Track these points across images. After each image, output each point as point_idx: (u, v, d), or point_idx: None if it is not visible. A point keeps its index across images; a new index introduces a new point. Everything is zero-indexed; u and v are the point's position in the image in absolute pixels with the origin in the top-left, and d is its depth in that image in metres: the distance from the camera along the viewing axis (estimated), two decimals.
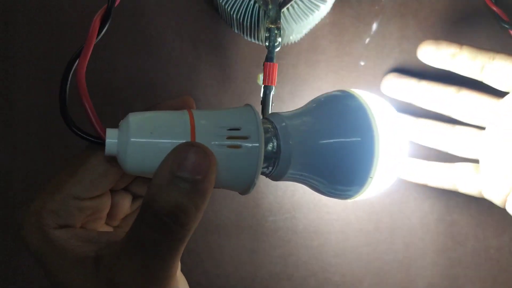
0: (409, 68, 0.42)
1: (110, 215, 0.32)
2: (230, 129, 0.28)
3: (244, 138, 0.28)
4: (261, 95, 0.38)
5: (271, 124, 0.30)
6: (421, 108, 0.40)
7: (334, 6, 0.42)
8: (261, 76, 0.38)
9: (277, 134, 0.29)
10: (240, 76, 0.42)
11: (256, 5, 0.38)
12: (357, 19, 0.42)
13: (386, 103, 0.32)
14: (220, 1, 0.39)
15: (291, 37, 0.41)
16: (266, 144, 0.29)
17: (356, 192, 0.31)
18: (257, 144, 0.28)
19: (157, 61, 0.42)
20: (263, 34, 0.39)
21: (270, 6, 0.38)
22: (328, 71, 0.42)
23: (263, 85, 0.38)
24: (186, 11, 0.42)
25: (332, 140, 0.30)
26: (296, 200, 0.42)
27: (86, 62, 0.29)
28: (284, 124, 0.30)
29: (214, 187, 0.27)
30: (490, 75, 0.37)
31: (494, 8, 0.41)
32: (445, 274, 0.41)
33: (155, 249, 0.26)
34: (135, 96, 0.42)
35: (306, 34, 0.42)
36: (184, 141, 0.27)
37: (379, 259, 0.41)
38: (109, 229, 0.33)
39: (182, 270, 0.41)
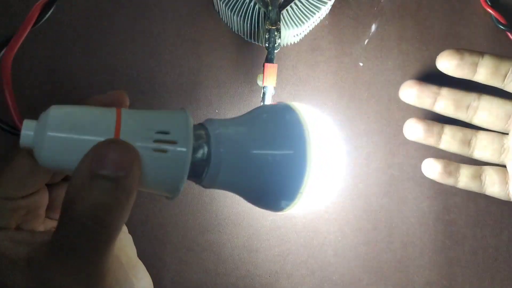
0: (409, 68, 0.42)
1: (54, 209, 0.31)
2: (159, 132, 0.27)
3: (172, 142, 0.27)
4: (261, 96, 0.38)
5: (205, 130, 0.29)
6: (440, 115, 0.40)
7: (333, 7, 0.42)
8: (261, 77, 0.38)
9: (209, 141, 0.28)
10: (240, 77, 0.42)
11: (256, 6, 0.38)
12: (356, 20, 0.42)
13: (326, 119, 0.32)
14: (221, 2, 0.39)
15: (290, 38, 0.41)
16: (196, 151, 0.28)
17: (286, 206, 0.30)
18: (184, 150, 0.27)
19: (157, 61, 0.42)
20: (263, 35, 0.39)
21: (270, 8, 0.38)
22: (327, 72, 0.42)
23: (263, 86, 0.38)
24: (186, 12, 0.43)
25: (263, 151, 0.29)
26: None
27: (17, 48, 0.28)
28: (218, 131, 0.29)
29: (139, 189, 0.27)
30: (511, 84, 0.37)
31: (491, 11, 0.41)
32: (443, 273, 0.42)
33: (78, 253, 0.25)
34: (135, 97, 0.42)
35: (305, 35, 0.42)
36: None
37: (378, 258, 0.42)
38: (53, 224, 0.32)
39: (182, 269, 0.41)
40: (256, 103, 0.42)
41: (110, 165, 0.25)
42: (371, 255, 0.42)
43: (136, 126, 0.27)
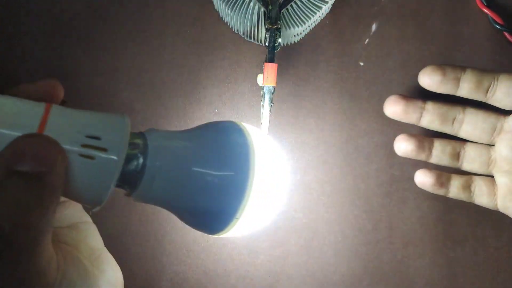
0: (410, 68, 0.42)
1: None
2: (89, 137, 0.24)
3: (102, 149, 0.24)
4: (261, 95, 0.38)
5: (143, 140, 0.26)
6: (425, 129, 0.40)
7: (334, 6, 0.42)
8: (261, 77, 0.38)
9: (146, 153, 0.26)
10: (241, 77, 0.42)
11: (256, 5, 0.38)
12: (357, 20, 0.42)
13: (276, 145, 0.30)
14: (221, 2, 0.39)
15: (291, 38, 0.41)
16: (129, 161, 0.25)
17: (219, 230, 0.28)
18: (115, 159, 0.24)
19: (157, 61, 0.42)
20: (263, 34, 0.39)
21: (270, 7, 0.38)
22: (327, 71, 0.42)
23: (263, 86, 0.38)
24: (186, 11, 0.43)
25: (203, 170, 0.27)
26: (296, 200, 0.42)
27: None
28: (157, 143, 0.26)
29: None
30: (494, 98, 0.38)
31: (486, 11, 0.41)
32: (444, 273, 0.42)
33: (2, 261, 0.22)
34: (135, 96, 0.42)
35: (306, 35, 0.42)
36: None
37: (378, 258, 0.42)
38: None
39: (181, 270, 0.41)
40: (256, 102, 0.42)
41: (30, 160, 0.22)
42: (372, 255, 0.41)
43: (64, 126, 0.24)
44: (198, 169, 0.27)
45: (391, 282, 0.41)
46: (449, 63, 0.42)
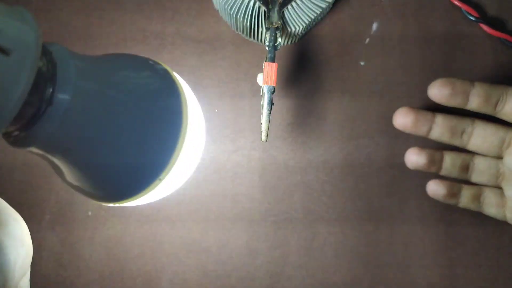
0: (411, 67, 0.42)
1: None
2: None
3: (3, 51, 0.16)
4: (261, 95, 0.38)
5: (48, 56, 0.18)
6: (433, 141, 0.40)
7: (334, 6, 0.42)
8: (261, 76, 0.38)
9: (55, 76, 0.18)
10: (241, 76, 0.42)
11: (257, 5, 0.38)
12: (357, 19, 0.42)
13: (195, 99, 0.25)
14: (221, 1, 0.39)
15: (291, 37, 0.41)
16: (33, 85, 0.17)
17: (132, 195, 0.22)
18: (28, 67, 0.16)
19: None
20: (263, 34, 0.39)
21: (270, 6, 0.38)
22: (328, 71, 0.42)
23: (263, 85, 0.38)
24: (186, 10, 0.42)
25: (132, 114, 0.20)
26: (296, 200, 0.42)
27: None
28: (72, 65, 0.18)
29: None
30: (503, 112, 0.38)
31: (458, 4, 0.41)
32: (445, 274, 0.41)
33: None
34: None
35: (306, 34, 0.42)
36: None
37: (379, 259, 0.41)
38: None
39: (180, 270, 0.41)
40: (256, 102, 0.42)
41: None
42: (372, 256, 0.41)
43: None
44: (127, 112, 0.20)
45: (392, 283, 0.41)
46: (450, 63, 0.42)
